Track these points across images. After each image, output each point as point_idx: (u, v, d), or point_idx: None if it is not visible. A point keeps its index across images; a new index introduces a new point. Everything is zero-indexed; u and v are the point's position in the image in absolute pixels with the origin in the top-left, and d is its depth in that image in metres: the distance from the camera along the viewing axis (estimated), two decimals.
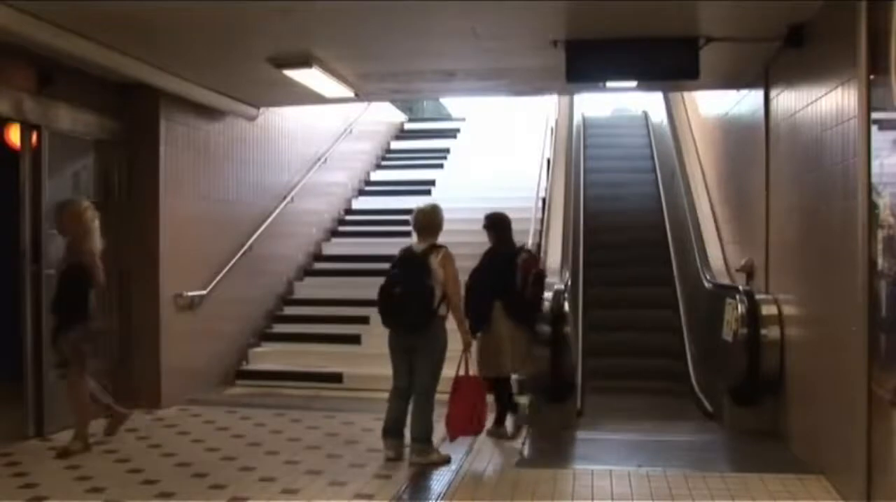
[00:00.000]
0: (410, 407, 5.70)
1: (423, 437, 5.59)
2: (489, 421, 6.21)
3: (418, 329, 5.58)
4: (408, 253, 5.76)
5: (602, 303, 9.76)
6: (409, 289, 5.53)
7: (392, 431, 5.72)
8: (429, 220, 5.80)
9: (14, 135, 6.47)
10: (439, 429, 5.79)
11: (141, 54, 6.58)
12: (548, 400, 6.66)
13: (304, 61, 6.66)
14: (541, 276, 6.44)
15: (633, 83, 7.31)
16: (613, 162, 13.22)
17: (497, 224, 6.59)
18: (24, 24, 5.39)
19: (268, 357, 9.20)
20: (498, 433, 6.34)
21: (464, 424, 5.78)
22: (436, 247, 5.70)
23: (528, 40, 6.23)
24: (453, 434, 5.80)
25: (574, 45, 6.06)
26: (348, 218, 12.38)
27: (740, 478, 5.15)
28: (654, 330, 9.49)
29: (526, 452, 5.98)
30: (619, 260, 10.43)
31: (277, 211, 9.74)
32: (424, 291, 5.52)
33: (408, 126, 16.15)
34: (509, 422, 6.51)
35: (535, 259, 6.69)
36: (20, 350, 6.32)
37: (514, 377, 6.74)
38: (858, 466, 4.38)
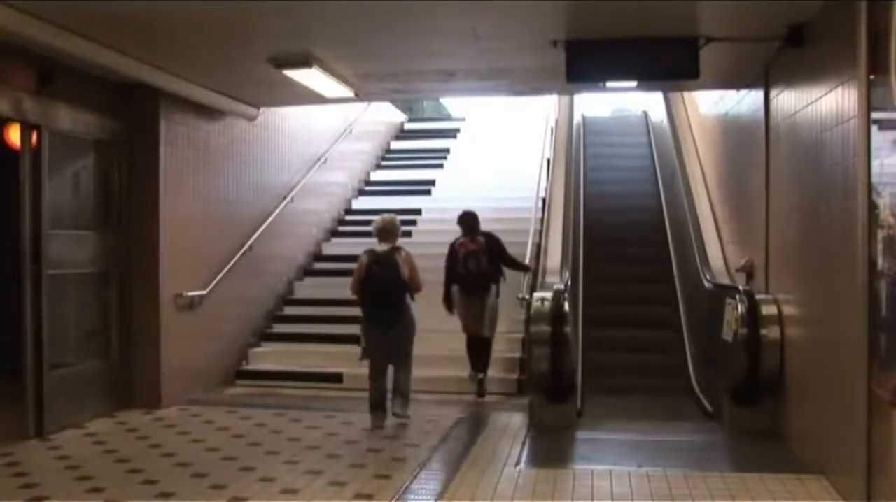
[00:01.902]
0: (393, 374, 6.89)
1: (407, 394, 6.93)
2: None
3: (397, 316, 6.78)
4: (377, 254, 6.88)
5: (602, 302, 9.75)
6: (391, 284, 6.74)
7: (378, 406, 6.80)
8: (390, 226, 7.03)
9: (14, 135, 6.47)
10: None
11: (141, 54, 6.58)
12: (548, 401, 6.66)
13: (304, 61, 6.66)
14: (470, 252, 7.88)
15: (633, 83, 7.31)
16: (614, 162, 13.22)
17: (461, 219, 8.22)
18: (24, 24, 5.39)
19: (268, 357, 9.21)
20: (477, 378, 7.96)
21: None
22: (397, 249, 6.90)
23: (528, 40, 6.23)
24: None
25: (574, 45, 6.06)
26: (348, 218, 12.38)
27: (740, 478, 5.15)
28: (654, 329, 9.49)
29: (526, 452, 5.98)
30: (619, 259, 10.43)
31: (277, 211, 9.74)
32: (401, 285, 6.79)
33: (408, 126, 16.15)
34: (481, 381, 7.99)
35: (472, 241, 8.00)
36: (20, 349, 6.32)
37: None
38: (858, 466, 4.38)
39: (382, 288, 6.74)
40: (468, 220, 8.23)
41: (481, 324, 7.93)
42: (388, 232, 6.98)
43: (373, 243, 7.01)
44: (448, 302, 8.02)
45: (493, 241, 8.09)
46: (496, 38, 6.18)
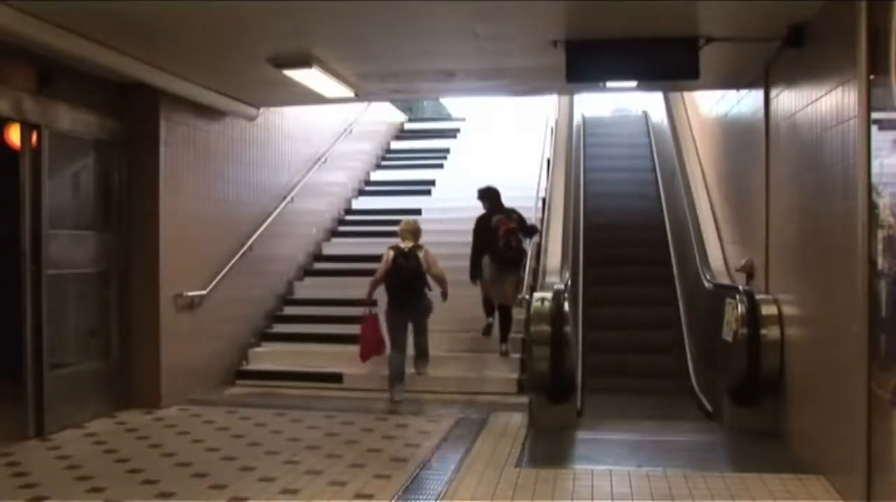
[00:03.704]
0: (413, 342, 8.17)
1: (427, 355, 8.28)
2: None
3: (418, 302, 8.07)
4: (403, 251, 8.07)
5: (602, 302, 9.75)
6: (414, 275, 7.98)
7: (398, 378, 7.94)
8: (413, 228, 8.33)
9: (14, 135, 6.47)
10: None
11: (141, 54, 6.58)
12: (548, 401, 6.66)
13: (304, 61, 6.66)
14: (511, 229, 8.43)
15: (633, 83, 7.30)
16: (613, 163, 13.20)
17: (487, 194, 8.88)
18: (24, 24, 5.39)
19: (268, 357, 9.21)
20: (501, 349, 8.60)
21: (375, 347, 8.18)
22: (419, 247, 8.15)
23: (528, 40, 6.23)
24: (367, 356, 8.22)
25: (574, 45, 6.06)
26: (348, 218, 12.38)
27: (740, 478, 5.15)
28: (654, 330, 9.48)
29: (526, 452, 5.98)
30: (619, 260, 10.42)
31: (277, 211, 9.74)
32: (423, 277, 8.05)
33: (408, 126, 16.15)
34: (504, 346, 8.61)
35: (508, 218, 8.55)
36: (20, 349, 6.32)
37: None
38: (858, 466, 4.39)
39: (407, 278, 7.94)
40: (493, 196, 8.80)
41: (512, 294, 8.43)
42: (410, 232, 8.25)
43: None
44: (475, 273, 8.60)
45: (521, 218, 8.76)
46: (496, 38, 6.18)
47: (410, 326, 8.11)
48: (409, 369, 8.25)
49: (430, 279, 8.12)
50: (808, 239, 5.57)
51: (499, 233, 8.42)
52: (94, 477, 5.25)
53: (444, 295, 8.19)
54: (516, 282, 8.42)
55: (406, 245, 8.13)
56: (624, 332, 9.35)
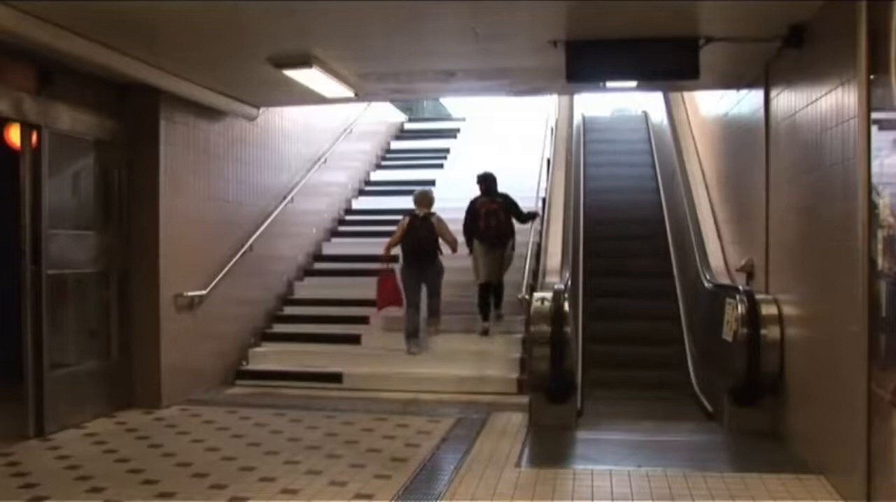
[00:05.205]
0: (427, 301, 8.95)
1: (439, 314, 9.06)
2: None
3: (431, 261, 8.93)
4: (417, 216, 9.06)
5: (603, 310, 9.73)
6: (428, 238, 8.93)
7: (413, 334, 8.80)
8: (426, 197, 9.29)
9: (14, 135, 6.47)
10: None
11: (141, 54, 6.58)
12: (548, 401, 6.66)
13: (304, 61, 6.66)
14: (490, 211, 9.04)
15: (633, 83, 7.30)
16: (614, 168, 13.17)
17: (483, 179, 9.38)
18: (24, 24, 5.39)
19: (268, 357, 9.21)
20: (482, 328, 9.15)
21: (391, 298, 8.95)
22: (431, 214, 9.12)
23: (528, 40, 6.23)
24: (383, 305, 9.02)
25: (574, 45, 6.06)
26: (348, 218, 12.39)
27: (740, 478, 5.15)
28: (654, 331, 9.47)
29: (526, 452, 5.98)
30: (619, 260, 10.41)
31: (277, 211, 9.75)
32: (436, 241, 8.99)
33: (408, 126, 16.16)
34: (487, 324, 9.14)
35: (492, 202, 9.13)
36: (20, 349, 6.32)
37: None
38: (858, 466, 4.39)
39: (423, 238, 8.90)
40: (488, 182, 9.33)
41: (499, 271, 9.12)
42: (424, 201, 9.20)
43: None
44: (470, 246, 9.25)
45: (509, 201, 9.26)
46: (496, 38, 6.18)
47: (424, 289, 8.89)
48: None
49: (441, 244, 8.99)
50: (808, 239, 5.57)
51: (479, 214, 9.09)
52: (94, 477, 5.25)
53: (453, 250, 9.02)
54: (502, 256, 9.13)
55: (421, 211, 9.04)
56: (626, 348, 9.28)
